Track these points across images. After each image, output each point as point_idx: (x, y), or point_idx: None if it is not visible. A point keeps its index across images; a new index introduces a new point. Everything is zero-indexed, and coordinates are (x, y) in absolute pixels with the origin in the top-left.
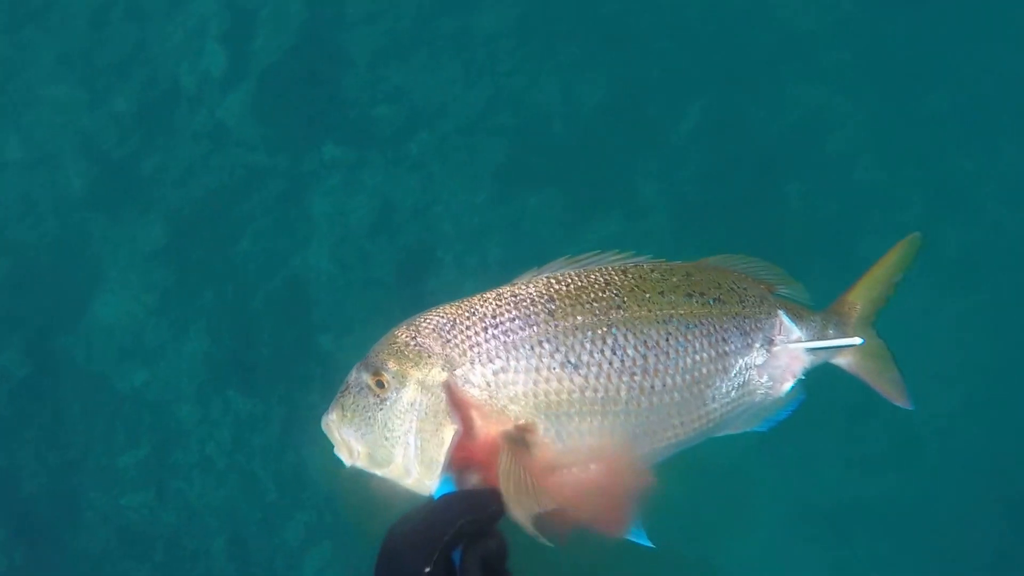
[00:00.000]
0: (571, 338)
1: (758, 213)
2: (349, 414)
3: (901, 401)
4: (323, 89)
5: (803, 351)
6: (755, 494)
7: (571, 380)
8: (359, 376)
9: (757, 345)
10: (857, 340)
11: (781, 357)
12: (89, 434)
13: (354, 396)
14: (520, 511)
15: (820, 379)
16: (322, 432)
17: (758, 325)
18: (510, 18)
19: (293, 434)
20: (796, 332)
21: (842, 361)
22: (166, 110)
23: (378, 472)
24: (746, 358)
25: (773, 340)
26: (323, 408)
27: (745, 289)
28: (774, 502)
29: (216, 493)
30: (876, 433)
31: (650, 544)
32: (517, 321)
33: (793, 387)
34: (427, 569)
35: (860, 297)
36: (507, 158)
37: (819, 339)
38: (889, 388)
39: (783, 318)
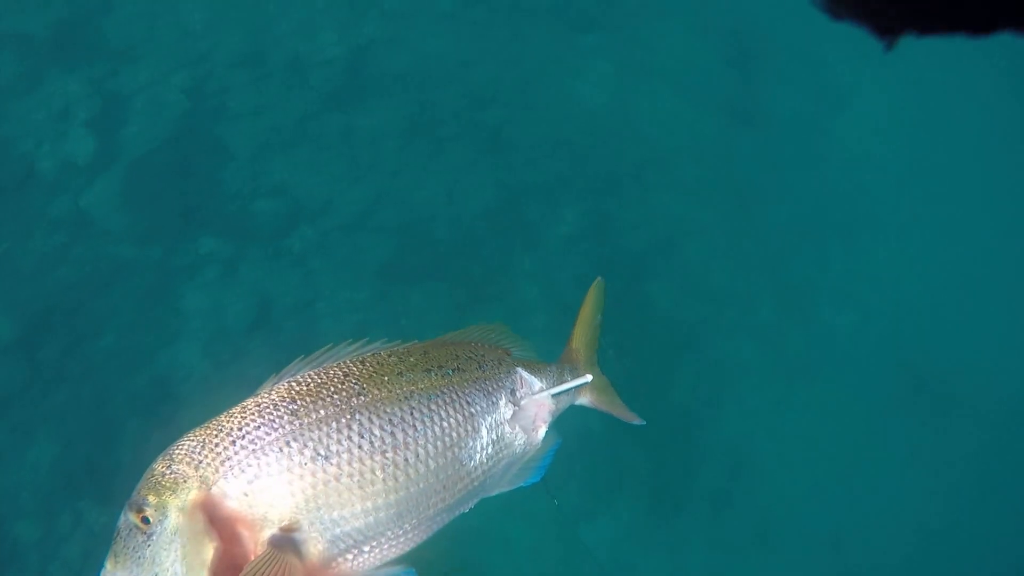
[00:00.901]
0: (316, 431)
1: (627, 312)
2: (122, 559)
3: (633, 420)
4: (201, 181)
5: (547, 398)
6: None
7: (324, 471)
8: (126, 518)
9: (503, 402)
10: (588, 377)
11: (528, 408)
12: None
13: (124, 540)
14: None
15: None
16: None
17: (500, 384)
18: (397, 119)
19: None
20: (537, 383)
21: (584, 400)
22: (17, 196)
23: None
24: (494, 415)
25: (517, 394)
26: None
27: (483, 356)
28: None
29: None
30: (733, 518)
31: None
32: (263, 428)
33: (548, 432)
34: None
35: (580, 343)
36: (390, 256)
37: (557, 385)
38: (621, 412)
39: (522, 373)
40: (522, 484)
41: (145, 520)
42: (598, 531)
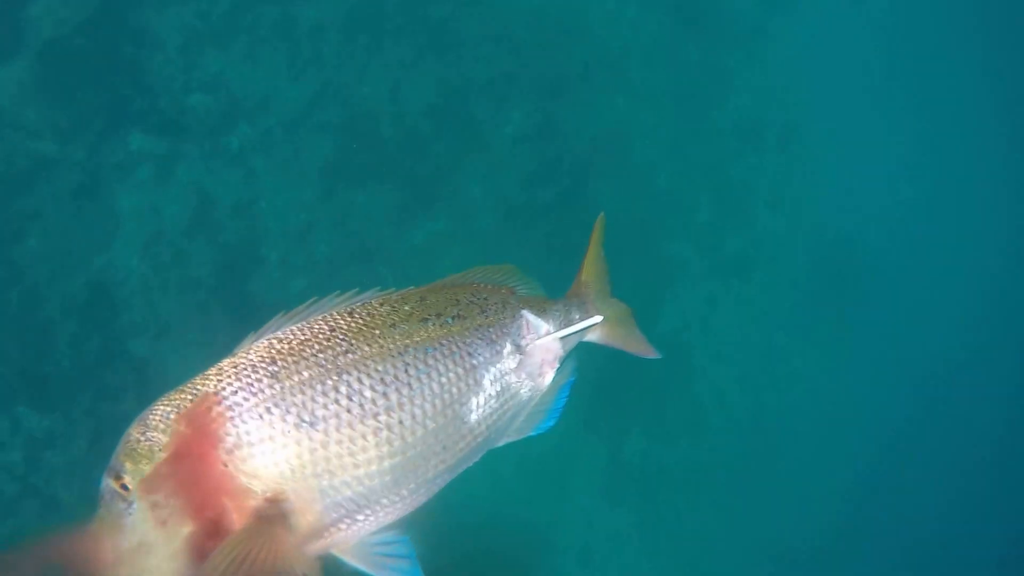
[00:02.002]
0: (300, 396)
1: (572, 213)
2: (107, 523)
3: (650, 354)
4: (126, 73)
5: (554, 341)
6: (570, 467)
7: (310, 439)
8: (107, 482)
9: (507, 350)
10: (598, 318)
11: (535, 353)
12: None
13: (107, 505)
14: None
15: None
16: None
17: (504, 330)
18: (337, 11)
19: (104, 447)
20: (544, 326)
21: (593, 337)
22: None
23: None
24: (498, 365)
25: (523, 340)
26: None
27: (486, 299)
28: (587, 472)
29: (4, 524)
30: (670, 408)
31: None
32: (240, 393)
33: (556, 376)
34: None
35: (590, 275)
36: (334, 155)
37: (565, 326)
38: (637, 347)
39: (528, 316)
40: (532, 433)
41: (124, 487)
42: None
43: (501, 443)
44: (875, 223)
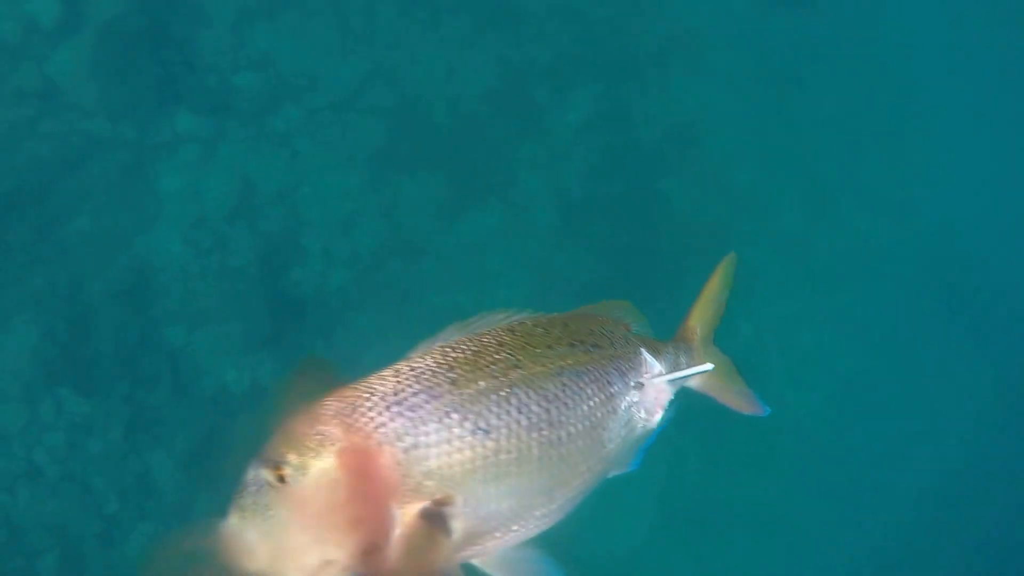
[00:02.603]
0: (478, 404)
1: (639, 211)
2: (250, 515)
3: (754, 410)
4: (177, 50)
5: (665, 383)
6: (623, 495)
7: (484, 446)
8: (257, 473)
9: (632, 384)
10: (709, 366)
11: (650, 392)
12: None
13: (253, 496)
14: None
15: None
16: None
17: (630, 364)
18: None
19: (137, 437)
20: (657, 367)
21: (694, 384)
22: None
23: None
24: (628, 397)
25: (643, 376)
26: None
27: (612, 332)
28: (642, 503)
29: (46, 506)
30: (735, 434)
31: None
32: (421, 395)
33: (663, 417)
34: None
35: (698, 321)
36: (383, 140)
37: (675, 369)
38: (740, 401)
39: (645, 355)
40: (629, 469)
41: (280, 479)
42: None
43: (612, 474)
44: (998, 238)
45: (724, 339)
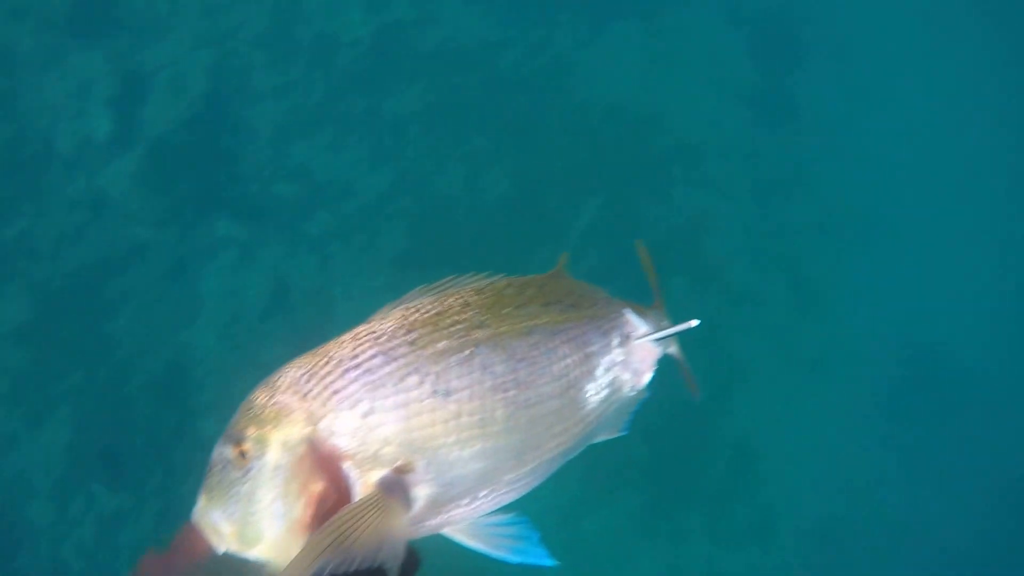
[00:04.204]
0: (436, 365)
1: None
2: (216, 495)
3: (695, 391)
4: (221, 163)
5: (653, 343)
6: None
7: (444, 409)
8: (221, 451)
9: (615, 343)
10: (694, 321)
11: (636, 351)
12: None
13: (218, 475)
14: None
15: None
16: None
17: (612, 324)
18: (420, 104)
19: (169, 527)
20: (643, 326)
21: (672, 351)
22: (35, 173)
23: (252, 554)
24: (609, 356)
25: (628, 336)
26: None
27: (593, 294)
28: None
29: None
30: (737, 510)
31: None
32: (378, 358)
33: (652, 378)
34: None
35: (659, 293)
36: (408, 243)
37: (660, 329)
38: (689, 373)
39: (630, 315)
40: (620, 433)
41: (242, 455)
42: (598, 522)
43: (599, 438)
44: (970, 329)
45: (719, 423)
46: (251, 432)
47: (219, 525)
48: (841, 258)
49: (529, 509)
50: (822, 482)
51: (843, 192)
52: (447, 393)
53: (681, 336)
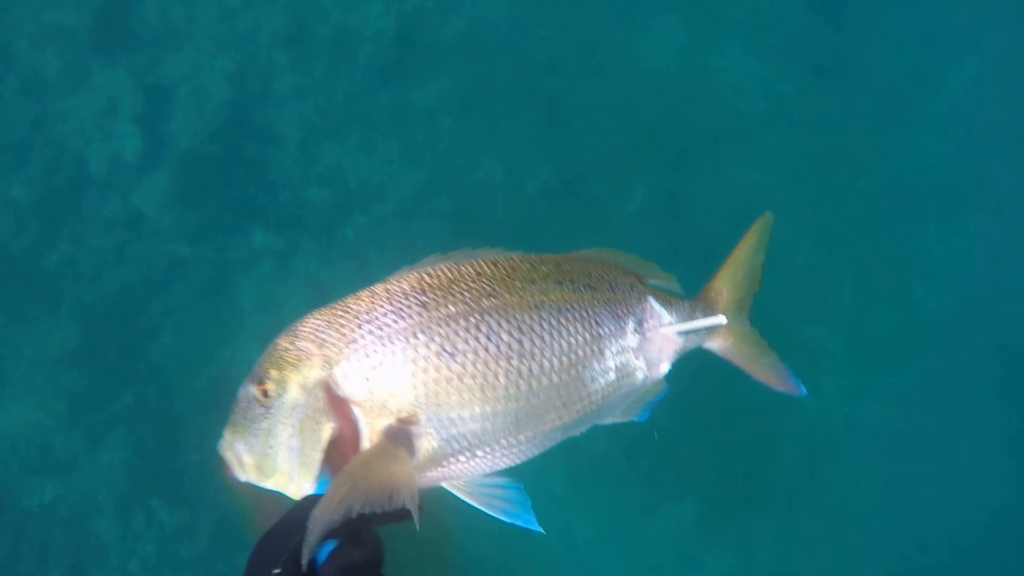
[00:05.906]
0: (445, 327)
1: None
2: (240, 429)
3: (784, 387)
4: (250, 172)
5: (675, 334)
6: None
7: (448, 368)
8: (246, 390)
9: (630, 328)
10: (721, 318)
11: (655, 340)
12: None
13: (243, 411)
14: (350, 503)
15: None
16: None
17: (629, 309)
18: (450, 94)
19: (224, 543)
20: (666, 316)
21: (715, 346)
22: (72, 197)
23: (268, 485)
24: (621, 340)
25: (645, 323)
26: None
27: (615, 278)
28: None
29: None
30: (809, 514)
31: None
32: (390, 315)
33: (670, 370)
34: (276, 571)
35: (725, 282)
36: (447, 242)
37: (688, 321)
38: (768, 374)
39: (652, 303)
40: (634, 419)
41: (264, 393)
42: (663, 524)
43: (608, 421)
44: None
45: (787, 420)
46: (273, 373)
47: (241, 456)
48: (912, 230)
49: (594, 513)
50: (900, 481)
51: (917, 160)
52: (452, 354)
53: (764, 331)
